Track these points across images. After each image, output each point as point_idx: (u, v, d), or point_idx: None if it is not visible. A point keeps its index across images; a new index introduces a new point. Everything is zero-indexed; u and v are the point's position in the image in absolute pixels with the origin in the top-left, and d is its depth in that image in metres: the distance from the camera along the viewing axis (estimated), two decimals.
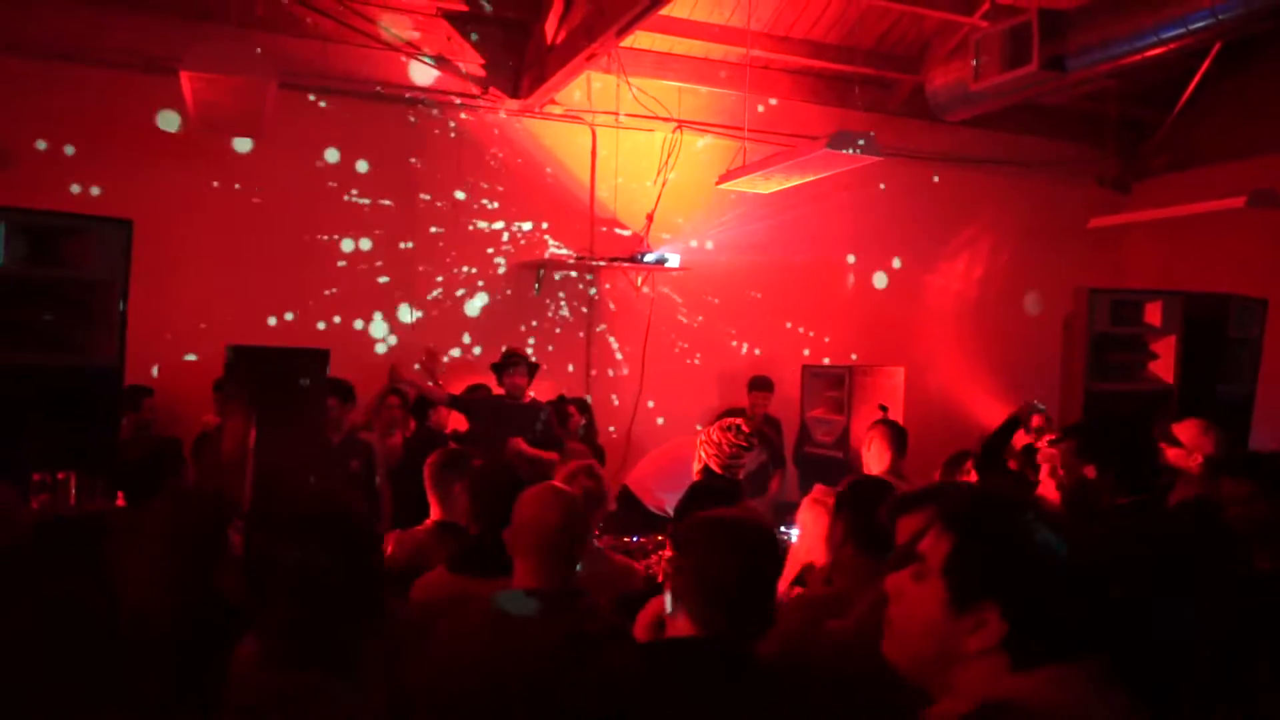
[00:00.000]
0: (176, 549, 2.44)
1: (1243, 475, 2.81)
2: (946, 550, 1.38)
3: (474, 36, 6.89)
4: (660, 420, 7.52)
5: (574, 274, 7.41)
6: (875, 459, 4.50)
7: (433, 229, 6.99)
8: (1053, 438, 4.57)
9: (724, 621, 1.90)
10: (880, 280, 8.23)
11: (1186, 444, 3.84)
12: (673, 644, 1.96)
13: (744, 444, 3.85)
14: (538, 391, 6.62)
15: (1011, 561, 1.34)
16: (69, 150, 6.00)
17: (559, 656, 2.12)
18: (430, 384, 6.13)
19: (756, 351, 7.81)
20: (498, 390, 6.21)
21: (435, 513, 3.54)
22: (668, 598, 1.99)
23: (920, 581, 1.40)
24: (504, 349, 6.34)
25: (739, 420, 3.97)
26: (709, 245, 7.70)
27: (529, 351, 6.69)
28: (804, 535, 3.12)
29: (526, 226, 7.26)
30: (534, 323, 7.26)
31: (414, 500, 3.87)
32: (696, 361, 7.69)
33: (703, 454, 3.93)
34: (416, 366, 6.22)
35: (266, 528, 2.15)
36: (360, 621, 2.01)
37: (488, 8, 6.74)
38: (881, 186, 7.95)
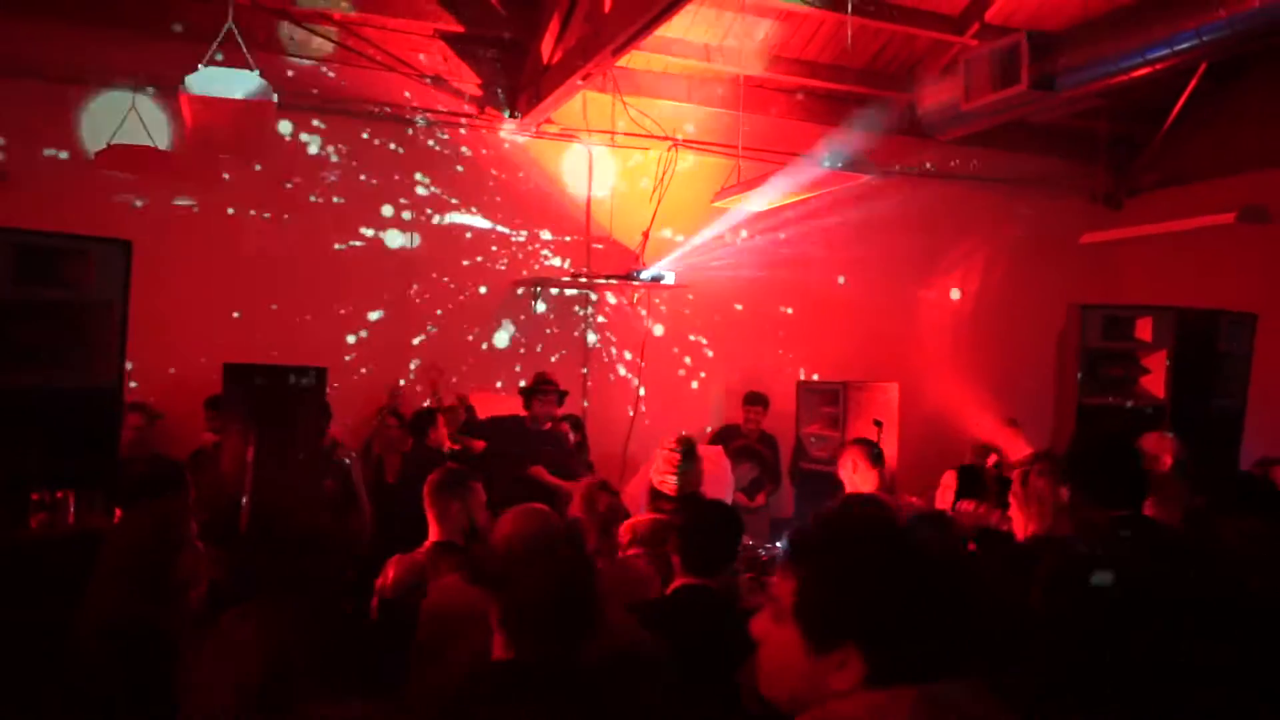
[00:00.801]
0: (120, 575, 2.49)
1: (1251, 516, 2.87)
2: (793, 590, 1.32)
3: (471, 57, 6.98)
4: (656, 437, 7.54)
5: (570, 291, 7.46)
6: (862, 479, 4.44)
7: (430, 247, 7.04)
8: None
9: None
10: (875, 296, 8.28)
11: (1150, 453, 3.92)
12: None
13: (672, 455, 3.93)
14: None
15: (861, 599, 1.26)
16: (68, 167, 6.06)
17: None
18: (434, 400, 6.13)
19: (752, 368, 7.84)
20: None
21: (434, 533, 3.50)
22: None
23: (779, 624, 1.33)
24: (536, 374, 6.23)
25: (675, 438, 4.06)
26: (704, 262, 7.74)
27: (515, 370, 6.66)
28: None
29: (523, 243, 7.32)
30: (530, 340, 7.30)
31: (413, 519, 3.88)
32: (692, 378, 7.73)
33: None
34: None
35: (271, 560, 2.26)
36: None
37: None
38: (875, 203, 8.00)
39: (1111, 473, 2.99)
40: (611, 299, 7.58)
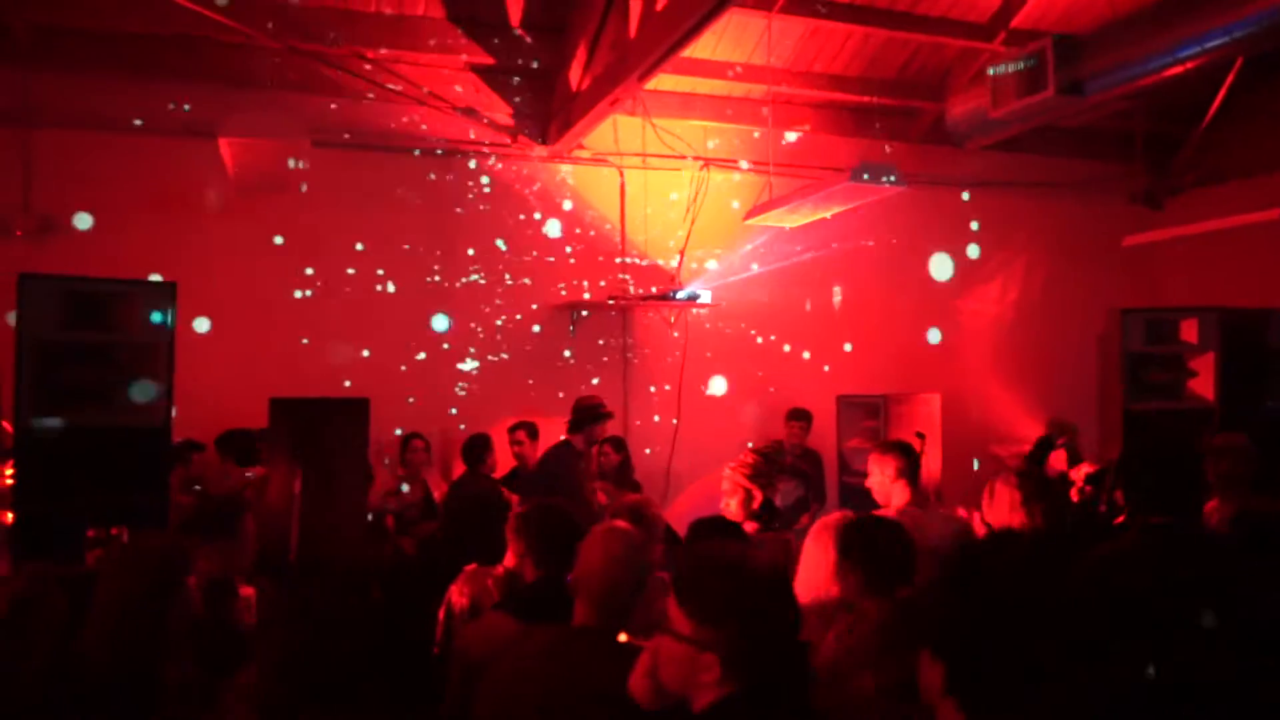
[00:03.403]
0: (118, 602, 2.54)
1: None
2: None
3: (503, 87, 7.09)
4: (699, 454, 7.54)
5: (608, 314, 7.50)
6: (898, 493, 3.98)
7: (469, 276, 7.13)
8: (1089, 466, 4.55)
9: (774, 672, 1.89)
10: (913, 306, 8.22)
11: (1223, 455, 3.84)
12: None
13: (765, 457, 3.95)
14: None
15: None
16: (113, 212, 6.23)
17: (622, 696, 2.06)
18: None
19: (791, 382, 7.80)
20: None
21: (508, 559, 3.37)
22: None
23: None
24: (586, 399, 6.03)
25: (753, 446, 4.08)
26: (739, 280, 7.75)
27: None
28: (808, 567, 2.97)
29: (560, 267, 7.38)
30: (570, 363, 7.35)
31: (478, 543, 3.82)
32: (731, 394, 7.71)
33: (743, 488, 3.97)
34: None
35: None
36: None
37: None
38: (909, 214, 7.95)
39: (1159, 478, 2.94)
40: (649, 319, 7.62)
